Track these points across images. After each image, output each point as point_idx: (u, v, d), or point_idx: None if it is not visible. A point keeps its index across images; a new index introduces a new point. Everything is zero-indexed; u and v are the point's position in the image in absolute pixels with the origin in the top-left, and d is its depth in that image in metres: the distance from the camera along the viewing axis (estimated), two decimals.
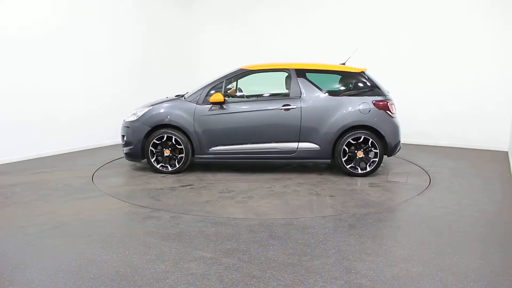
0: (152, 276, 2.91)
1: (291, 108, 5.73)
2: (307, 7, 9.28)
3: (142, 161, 6.23)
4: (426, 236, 3.69)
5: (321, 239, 3.57)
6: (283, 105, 5.75)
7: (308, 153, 5.80)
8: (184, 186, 5.43)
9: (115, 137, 8.44)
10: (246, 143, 5.84)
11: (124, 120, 6.28)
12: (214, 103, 5.82)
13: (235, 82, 6.22)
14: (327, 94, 5.80)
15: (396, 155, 6.24)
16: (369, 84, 5.88)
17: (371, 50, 8.38)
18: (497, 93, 7.73)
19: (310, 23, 9.27)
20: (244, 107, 5.86)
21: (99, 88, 8.07)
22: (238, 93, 6.25)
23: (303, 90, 5.79)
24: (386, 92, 5.89)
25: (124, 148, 6.16)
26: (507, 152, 7.58)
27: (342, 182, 5.57)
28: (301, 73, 5.88)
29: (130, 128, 6.04)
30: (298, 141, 5.78)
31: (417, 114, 8.29)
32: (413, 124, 8.21)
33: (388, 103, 5.78)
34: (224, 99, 5.78)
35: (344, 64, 6.22)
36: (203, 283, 2.80)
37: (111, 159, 6.93)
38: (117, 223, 4.02)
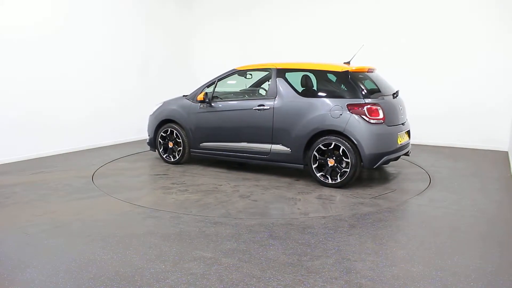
0: (152, 276, 2.91)
1: (264, 109, 5.62)
2: (312, 5, 9.21)
3: (155, 150, 6.80)
4: (426, 236, 3.69)
5: (321, 239, 3.57)
6: (258, 105, 5.68)
7: (280, 156, 5.55)
8: (158, 174, 5.97)
9: (115, 137, 8.47)
10: (226, 141, 6.02)
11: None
12: (200, 102, 6.18)
13: (266, 83, 6.33)
14: (300, 94, 5.48)
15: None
16: (349, 85, 5.28)
17: (373, 49, 8.36)
18: (497, 93, 7.72)
19: (316, 21, 9.16)
20: (225, 106, 6.03)
21: (99, 88, 8.05)
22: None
23: (278, 90, 5.57)
24: (379, 95, 5.28)
25: (147, 138, 6.96)
26: (507, 152, 7.57)
27: (296, 190, 5.10)
28: (280, 72, 5.66)
29: (149, 121, 6.86)
30: (271, 143, 5.60)
31: (417, 114, 8.26)
32: (413, 124, 8.18)
33: (365, 107, 5.02)
34: (204, 98, 6.07)
35: (349, 62, 5.81)
36: (203, 283, 2.80)
37: (111, 159, 6.93)
38: (117, 223, 4.02)
